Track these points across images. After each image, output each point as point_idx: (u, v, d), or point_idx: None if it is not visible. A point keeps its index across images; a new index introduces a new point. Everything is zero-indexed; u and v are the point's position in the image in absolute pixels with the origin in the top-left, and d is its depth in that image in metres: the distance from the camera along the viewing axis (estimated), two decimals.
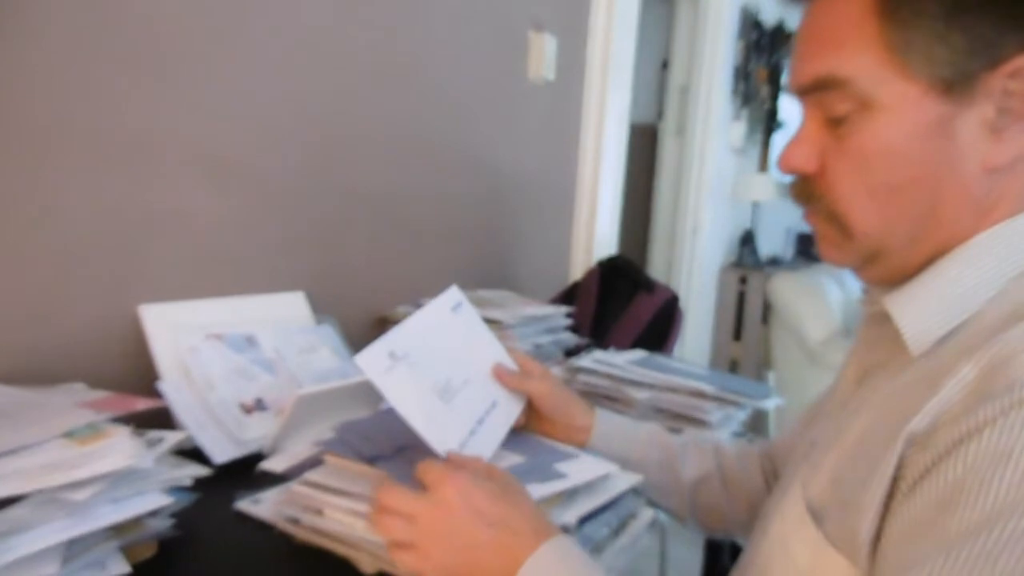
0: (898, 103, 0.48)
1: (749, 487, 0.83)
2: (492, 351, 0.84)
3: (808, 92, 0.53)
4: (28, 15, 0.83)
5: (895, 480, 0.46)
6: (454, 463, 0.62)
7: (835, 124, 0.52)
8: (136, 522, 0.64)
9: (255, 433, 0.94)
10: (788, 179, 0.58)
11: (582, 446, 0.82)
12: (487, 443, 0.73)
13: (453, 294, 0.85)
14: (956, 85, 0.47)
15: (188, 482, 0.68)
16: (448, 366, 0.74)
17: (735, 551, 0.74)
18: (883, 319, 0.54)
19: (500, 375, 0.80)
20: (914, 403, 0.46)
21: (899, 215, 0.51)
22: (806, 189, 0.56)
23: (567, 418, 0.83)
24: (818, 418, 0.67)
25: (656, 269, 3.29)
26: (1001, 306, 0.47)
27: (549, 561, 0.56)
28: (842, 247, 0.55)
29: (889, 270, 0.54)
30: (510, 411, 0.81)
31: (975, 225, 0.50)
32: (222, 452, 0.89)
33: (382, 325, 1.38)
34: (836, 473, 0.52)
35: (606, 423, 0.85)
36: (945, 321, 0.49)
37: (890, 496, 0.46)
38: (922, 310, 0.50)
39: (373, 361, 0.66)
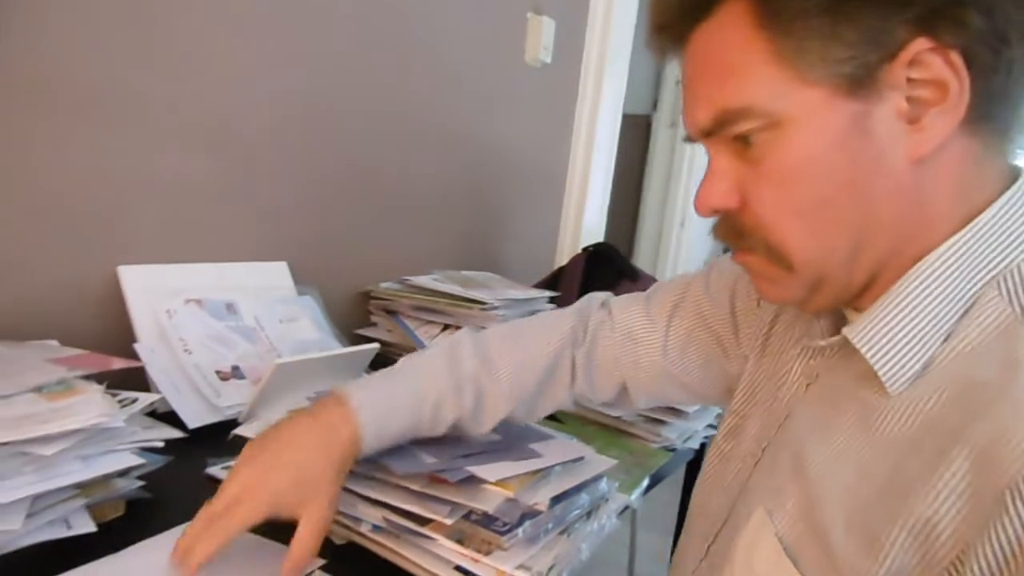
0: (806, 113, 0.45)
1: (548, 406, 0.79)
2: None
3: (710, 132, 0.50)
4: None
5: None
6: None
7: (745, 150, 0.48)
8: (104, 481, 0.63)
9: (231, 400, 0.93)
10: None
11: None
12: None
13: None
14: (860, 81, 0.44)
15: (159, 444, 0.68)
16: None
17: None
18: (842, 346, 0.51)
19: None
20: (910, 475, 0.42)
21: (835, 230, 0.47)
22: (733, 227, 0.52)
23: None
24: (757, 404, 0.64)
25: (643, 260, 3.30)
26: (969, 333, 0.45)
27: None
28: (783, 282, 0.51)
29: (835, 294, 0.51)
30: None
31: (918, 221, 0.47)
32: (196, 417, 0.89)
33: (364, 299, 1.38)
34: (807, 515, 0.48)
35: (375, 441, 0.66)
36: (921, 352, 0.46)
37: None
38: (896, 343, 0.47)
39: None
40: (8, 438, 0.53)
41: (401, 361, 0.73)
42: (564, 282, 1.60)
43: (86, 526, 0.60)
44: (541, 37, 1.74)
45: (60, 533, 0.58)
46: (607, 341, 0.78)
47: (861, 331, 0.48)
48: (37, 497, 0.56)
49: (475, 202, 1.69)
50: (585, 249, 1.67)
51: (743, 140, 0.48)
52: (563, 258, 1.98)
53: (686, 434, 1.12)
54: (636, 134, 3.29)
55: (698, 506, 0.67)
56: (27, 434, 0.54)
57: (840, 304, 0.53)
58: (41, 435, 0.54)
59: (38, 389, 0.60)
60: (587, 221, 2.06)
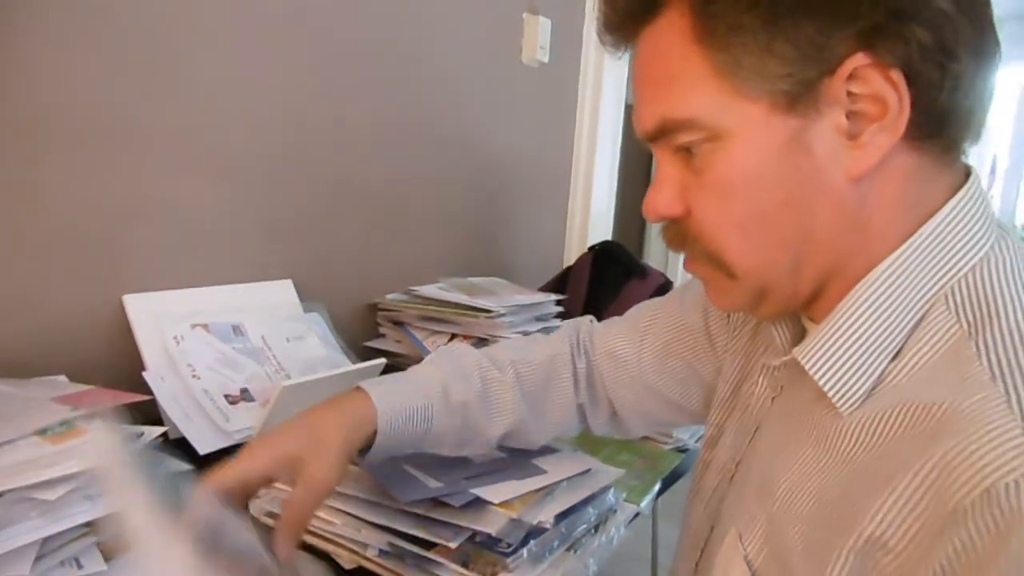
0: (745, 127, 0.45)
1: (557, 414, 0.78)
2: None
3: (654, 138, 0.50)
4: (15, 4, 0.82)
5: None
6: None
7: (689, 159, 0.49)
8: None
9: (240, 424, 0.94)
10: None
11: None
12: None
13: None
14: (799, 97, 0.44)
15: None
16: None
17: None
18: (795, 366, 0.50)
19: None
20: (859, 496, 0.42)
21: (775, 244, 0.48)
22: (679, 234, 0.52)
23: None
24: (730, 414, 0.64)
25: (653, 255, 3.28)
26: (920, 351, 0.44)
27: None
28: (729, 290, 0.52)
29: (783, 303, 0.51)
30: None
31: (858, 240, 0.47)
32: (207, 443, 0.89)
33: (372, 312, 1.38)
34: (771, 539, 0.49)
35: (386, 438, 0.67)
36: (869, 371, 0.46)
37: None
38: (843, 364, 0.47)
39: None
40: (11, 485, 0.54)
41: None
42: (571, 283, 1.60)
43: (97, 564, 0.61)
44: (537, 37, 1.73)
45: (71, 574, 0.59)
46: (593, 359, 0.79)
47: (809, 351, 0.48)
48: (46, 540, 0.57)
49: (479, 205, 1.69)
50: (591, 248, 1.66)
51: (686, 149, 0.48)
52: (571, 257, 1.97)
53: (698, 433, 1.11)
54: None
55: (686, 517, 0.67)
56: (30, 480, 0.54)
57: (792, 312, 0.53)
58: (44, 480, 0.55)
59: (41, 432, 0.60)
60: (594, 218, 2.05)
